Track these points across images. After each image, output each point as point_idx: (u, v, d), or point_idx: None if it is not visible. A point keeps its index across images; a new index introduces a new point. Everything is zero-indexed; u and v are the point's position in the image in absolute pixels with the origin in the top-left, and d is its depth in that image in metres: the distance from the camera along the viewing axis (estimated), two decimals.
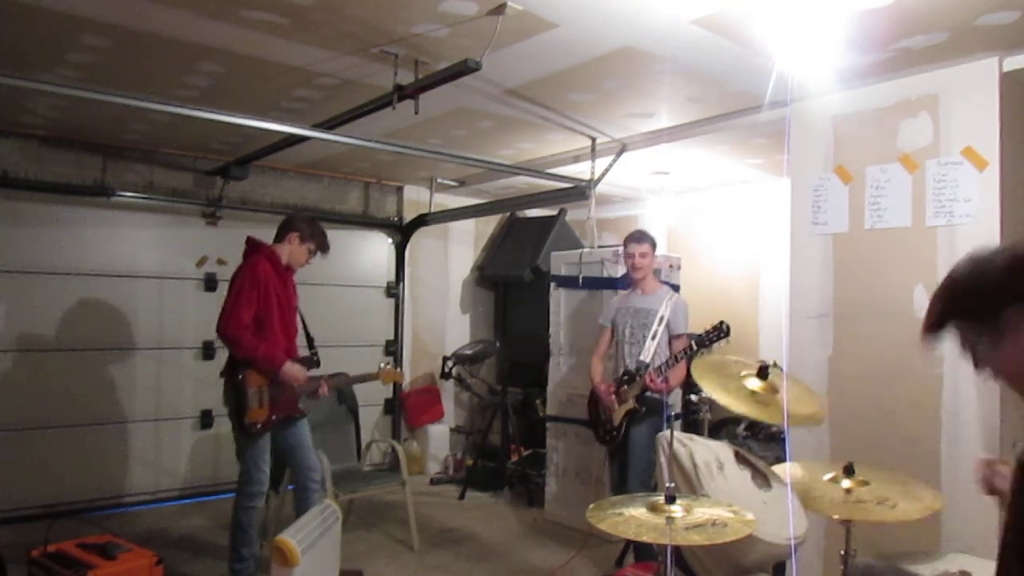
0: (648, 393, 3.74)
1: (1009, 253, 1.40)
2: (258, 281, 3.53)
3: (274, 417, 3.59)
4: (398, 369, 4.23)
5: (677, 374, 3.75)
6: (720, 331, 3.52)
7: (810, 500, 2.32)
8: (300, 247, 3.75)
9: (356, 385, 4.42)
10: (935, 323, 1.46)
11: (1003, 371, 1.42)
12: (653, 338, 3.83)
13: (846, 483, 2.36)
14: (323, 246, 3.84)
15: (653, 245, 4.01)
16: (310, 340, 3.90)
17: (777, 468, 2.66)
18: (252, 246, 3.69)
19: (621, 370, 3.94)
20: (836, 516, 2.27)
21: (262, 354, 3.51)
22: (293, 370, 3.59)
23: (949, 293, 1.45)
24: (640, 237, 3.99)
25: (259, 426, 3.53)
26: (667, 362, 3.70)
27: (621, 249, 4.19)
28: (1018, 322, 1.33)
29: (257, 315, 3.53)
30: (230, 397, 3.56)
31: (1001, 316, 1.34)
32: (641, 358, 3.81)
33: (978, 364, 1.44)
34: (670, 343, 3.88)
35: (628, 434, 3.83)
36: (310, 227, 3.78)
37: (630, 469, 3.80)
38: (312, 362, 3.82)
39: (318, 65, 3.46)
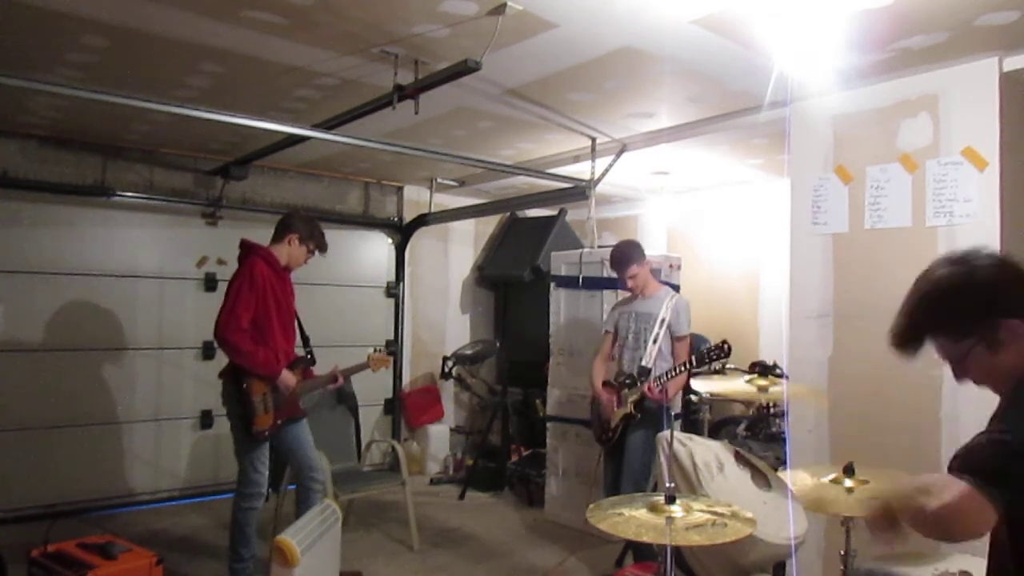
0: (646, 401, 3.74)
1: (992, 267, 1.40)
2: (256, 284, 3.52)
3: (279, 421, 3.59)
4: (385, 353, 4.10)
5: (676, 384, 3.75)
6: (722, 351, 3.46)
7: (815, 503, 2.31)
8: (299, 248, 3.74)
9: (356, 385, 4.43)
10: (913, 337, 1.46)
11: (987, 378, 1.43)
12: (655, 342, 3.81)
13: (848, 483, 2.35)
14: (322, 246, 3.83)
15: (639, 260, 3.88)
16: (305, 339, 3.90)
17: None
18: (247, 249, 3.66)
19: (624, 374, 3.94)
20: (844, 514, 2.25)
21: (260, 360, 3.50)
22: (287, 378, 3.59)
23: (926, 309, 1.44)
24: (623, 261, 3.87)
25: (266, 432, 3.54)
26: (667, 373, 3.69)
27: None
28: (1014, 330, 1.34)
29: (255, 318, 3.52)
30: (233, 403, 3.55)
31: (998, 328, 1.35)
32: (643, 363, 3.81)
33: (962, 372, 1.45)
34: (672, 344, 3.87)
35: (624, 438, 3.83)
36: (309, 227, 3.76)
37: (624, 473, 3.78)
38: (307, 361, 3.82)
39: (318, 65, 3.46)
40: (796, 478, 2.39)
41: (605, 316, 4.74)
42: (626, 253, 3.91)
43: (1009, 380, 1.41)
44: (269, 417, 3.55)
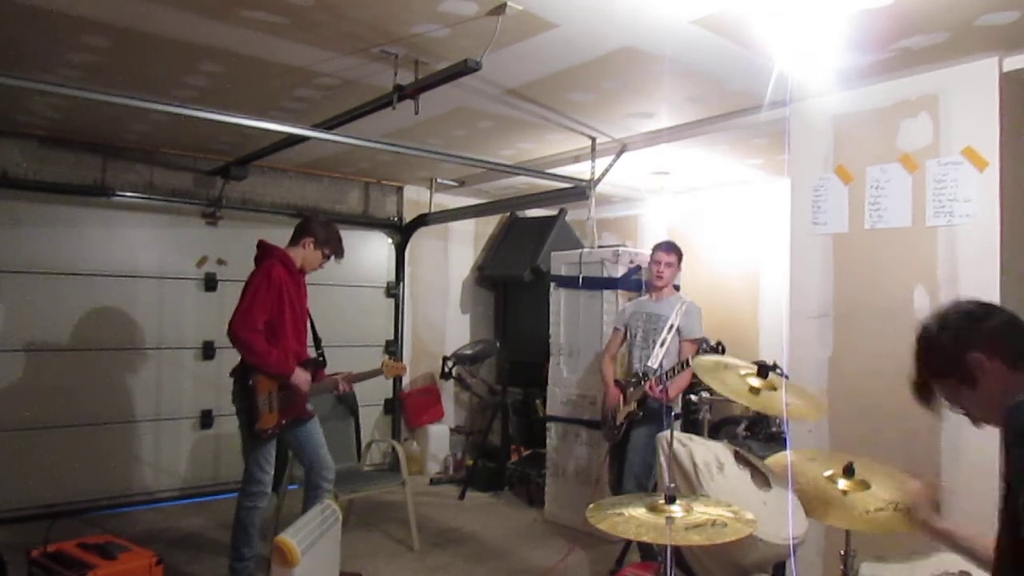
0: (648, 400, 3.76)
1: (963, 309, 1.55)
2: (273, 286, 3.53)
3: (284, 421, 3.60)
4: (400, 363, 4.19)
5: (678, 384, 3.81)
6: (715, 351, 3.65)
7: (813, 509, 2.31)
8: (315, 252, 3.75)
9: (356, 385, 4.43)
10: (920, 384, 1.61)
11: (983, 411, 1.53)
12: (662, 345, 3.86)
13: (843, 483, 2.35)
14: (338, 251, 3.84)
15: (680, 257, 4.10)
16: (317, 341, 3.91)
17: (776, 457, 2.66)
18: (265, 250, 3.68)
19: (632, 373, 3.98)
20: (845, 527, 2.26)
21: (274, 360, 3.51)
22: (301, 376, 3.60)
23: (916, 359, 1.60)
24: (669, 247, 4.09)
25: (269, 431, 3.55)
26: (667, 372, 3.73)
27: (649, 256, 4.26)
28: (980, 363, 1.43)
29: (270, 319, 3.53)
30: (240, 400, 3.57)
31: (966, 363, 1.47)
32: (649, 364, 3.84)
33: (965, 413, 1.58)
34: (680, 347, 3.91)
35: (628, 436, 3.87)
36: (326, 232, 3.77)
37: (626, 471, 3.84)
38: (318, 363, 3.83)
39: (318, 65, 3.46)
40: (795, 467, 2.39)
41: (605, 316, 4.76)
42: (676, 245, 4.15)
43: (996, 410, 1.48)
44: (274, 417, 3.56)
